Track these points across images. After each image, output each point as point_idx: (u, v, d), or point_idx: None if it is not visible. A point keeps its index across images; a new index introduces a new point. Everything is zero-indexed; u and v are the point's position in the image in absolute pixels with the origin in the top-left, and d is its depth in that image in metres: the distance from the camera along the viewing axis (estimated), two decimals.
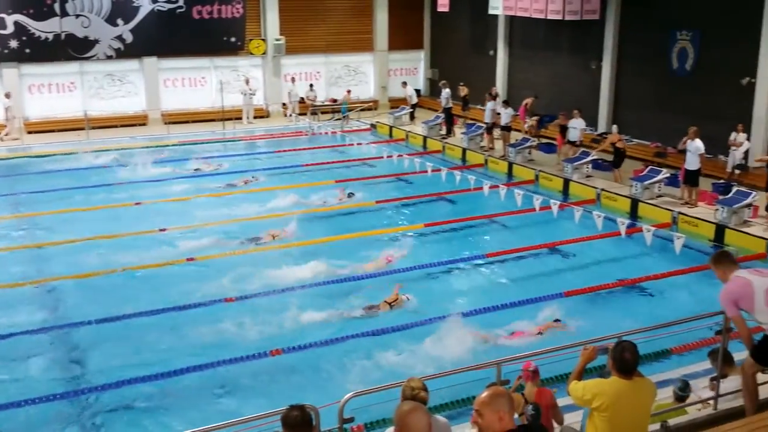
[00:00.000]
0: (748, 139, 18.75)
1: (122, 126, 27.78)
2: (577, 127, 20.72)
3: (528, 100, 24.28)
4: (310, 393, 9.21)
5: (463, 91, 27.38)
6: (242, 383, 10.24)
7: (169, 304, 12.32)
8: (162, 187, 19.75)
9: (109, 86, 28.45)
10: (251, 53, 30.02)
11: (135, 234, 15.76)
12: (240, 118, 28.52)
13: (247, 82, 28.78)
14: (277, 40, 29.96)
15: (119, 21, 27.45)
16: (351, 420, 6.30)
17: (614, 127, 20.35)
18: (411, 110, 28.89)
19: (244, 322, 11.70)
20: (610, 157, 20.17)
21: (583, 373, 6.14)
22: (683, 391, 7.72)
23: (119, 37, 27.61)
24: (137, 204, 18.12)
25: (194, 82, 29.78)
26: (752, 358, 6.76)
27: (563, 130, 21.36)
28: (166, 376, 10.16)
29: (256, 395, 9.80)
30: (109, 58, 27.76)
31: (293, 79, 30.41)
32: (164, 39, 27.99)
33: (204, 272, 13.97)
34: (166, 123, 27.72)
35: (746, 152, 18.54)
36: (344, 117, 29.21)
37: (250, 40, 29.82)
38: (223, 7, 28.81)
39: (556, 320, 11.58)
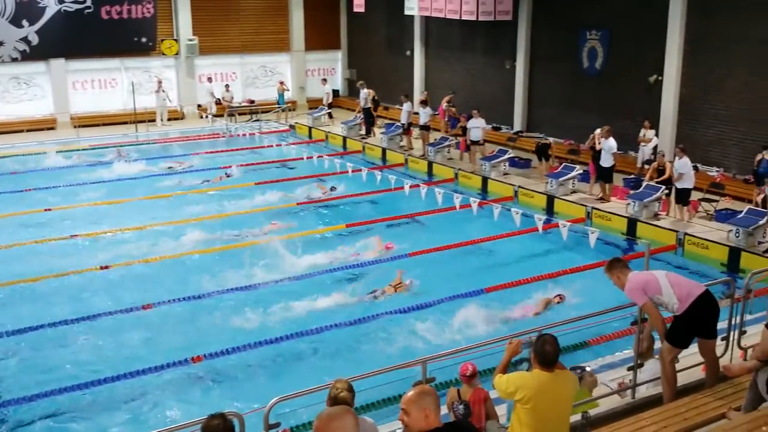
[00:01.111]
0: (657, 135, 19.47)
1: (30, 130, 26.76)
2: (478, 126, 21.01)
3: (447, 98, 24.46)
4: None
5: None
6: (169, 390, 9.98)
7: (82, 313, 11.92)
8: (72, 194, 19.05)
9: (15, 90, 27.40)
10: (163, 54, 29.36)
11: (46, 241, 15.23)
12: (153, 120, 27.83)
13: (160, 83, 28.11)
14: (190, 40, 29.40)
15: (24, 22, 26.39)
16: (277, 426, 6.19)
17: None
18: (328, 110, 28.79)
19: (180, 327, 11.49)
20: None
21: (508, 367, 6.23)
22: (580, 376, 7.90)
23: (24, 39, 26.55)
24: (47, 210, 17.51)
25: (104, 84, 28.94)
26: (668, 343, 6.98)
27: (465, 131, 21.65)
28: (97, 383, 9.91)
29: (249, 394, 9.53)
30: (14, 60, 26.68)
31: (210, 79, 29.90)
32: (72, 40, 27.08)
33: (117, 281, 13.59)
34: (75, 126, 26.84)
35: (655, 147, 19.23)
36: (282, 109, 28.98)
37: (162, 40, 29.17)
38: (132, 7, 28.06)
39: (557, 295, 12.22)
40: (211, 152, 24.17)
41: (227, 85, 30.07)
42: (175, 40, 29.48)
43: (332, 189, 19.44)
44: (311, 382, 6.94)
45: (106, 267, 13.97)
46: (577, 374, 7.79)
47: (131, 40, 28.45)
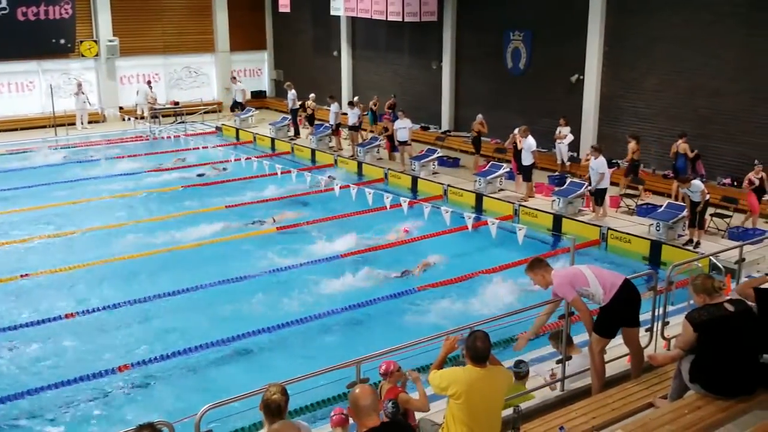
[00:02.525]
0: (578, 132, 19.94)
1: None
2: (405, 126, 21.14)
3: (389, 102, 24.37)
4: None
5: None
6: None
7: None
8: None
9: None
10: (83, 55, 28.54)
11: None
12: (73, 124, 26.99)
13: (80, 85, 27.30)
14: (111, 41, 28.68)
15: None
16: None
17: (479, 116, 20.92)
18: (237, 108, 28.76)
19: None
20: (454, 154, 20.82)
21: (445, 363, 6.28)
22: (518, 367, 8.03)
23: None
24: None
25: (21, 87, 28.01)
26: (596, 334, 7.16)
27: (386, 130, 21.69)
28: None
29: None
30: None
31: (149, 82, 29.25)
32: None
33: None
34: None
35: (575, 144, 19.68)
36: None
37: (81, 41, 28.35)
38: (50, 8, 27.18)
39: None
40: (134, 155, 23.64)
41: (149, 82, 29.41)
42: (95, 41, 28.69)
43: (331, 178, 18.68)
44: (244, 388, 6.82)
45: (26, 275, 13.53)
46: (521, 368, 7.92)
47: (49, 41, 27.58)
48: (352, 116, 23.03)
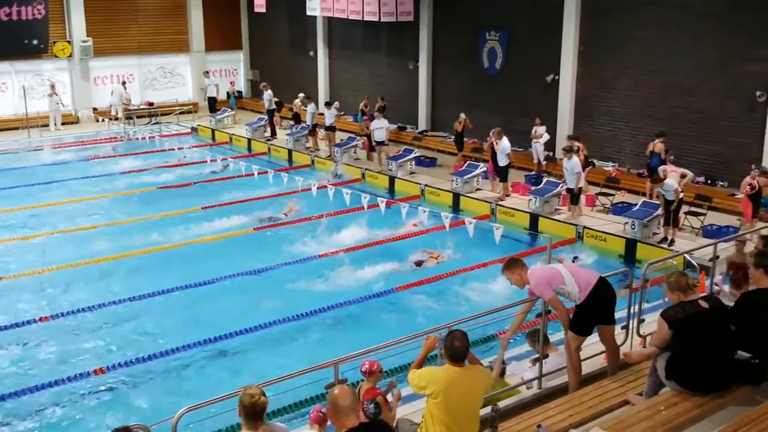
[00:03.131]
0: (554, 131, 20.06)
1: None
2: (382, 127, 21.14)
3: (379, 105, 24.32)
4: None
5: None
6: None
7: None
8: None
9: None
10: (56, 56, 28.23)
11: None
12: (47, 125, 26.68)
13: (53, 86, 26.99)
14: (84, 41, 28.35)
15: None
16: None
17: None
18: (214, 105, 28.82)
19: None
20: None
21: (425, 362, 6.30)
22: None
23: None
24: None
25: None
26: (573, 332, 7.21)
27: (372, 132, 21.71)
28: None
29: None
30: None
31: (124, 83, 28.97)
32: None
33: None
34: None
35: (551, 144, 19.80)
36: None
37: (55, 42, 28.02)
38: (22, 9, 26.85)
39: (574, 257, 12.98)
40: (109, 156, 23.42)
41: (124, 83, 29.15)
42: (68, 41, 28.38)
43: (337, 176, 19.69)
44: (221, 390, 6.78)
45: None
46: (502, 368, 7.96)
47: (22, 42, 27.23)
48: (329, 117, 23.00)
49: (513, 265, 7.35)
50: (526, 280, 7.25)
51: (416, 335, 7.02)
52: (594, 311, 7.16)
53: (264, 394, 5.39)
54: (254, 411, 5.13)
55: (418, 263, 14.29)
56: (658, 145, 16.97)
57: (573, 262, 13.28)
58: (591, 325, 7.29)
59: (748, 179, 14.75)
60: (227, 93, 30.21)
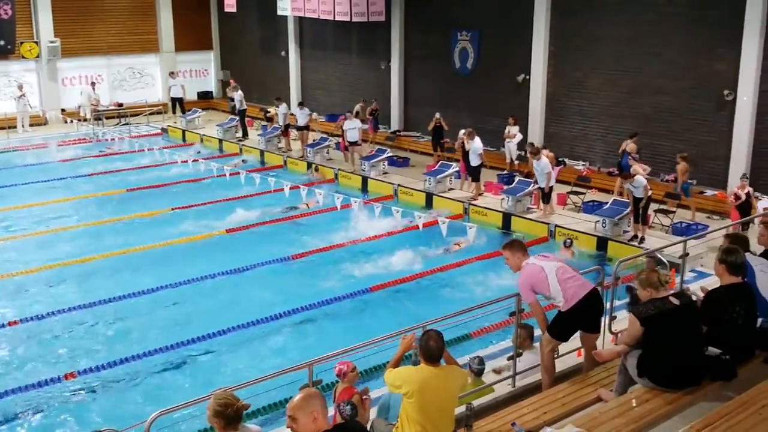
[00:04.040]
0: (526, 130, 20.18)
1: None
2: (354, 127, 21.12)
3: (371, 108, 24.22)
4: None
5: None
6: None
7: None
8: None
9: None
10: (23, 57, 27.81)
11: None
12: (14, 127, 26.27)
13: (21, 87, 26.59)
14: (52, 42, 27.98)
15: None
16: None
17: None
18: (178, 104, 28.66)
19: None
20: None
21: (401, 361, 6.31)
22: (480, 364, 8.09)
23: None
24: None
25: None
26: (549, 334, 7.21)
27: (344, 132, 21.70)
28: None
29: None
30: None
31: (93, 84, 28.61)
32: None
33: None
34: None
35: (522, 143, 19.93)
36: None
37: (22, 42, 27.61)
38: None
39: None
40: (77, 158, 23.10)
41: (93, 83, 28.78)
42: (36, 42, 27.98)
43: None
44: (194, 394, 6.73)
45: None
46: (482, 366, 7.99)
47: None
48: (302, 117, 22.92)
49: (515, 246, 7.19)
50: (519, 268, 7.13)
51: (392, 335, 7.02)
52: (575, 321, 7.06)
53: (239, 399, 5.35)
54: (237, 416, 5.08)
55: (446, 250, 15.08)
56: (630, 145, 17.13)
57: (567, 247, 13.91)
58: (569, 332, 7.23)
59: (736, 188, 14.81)
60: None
